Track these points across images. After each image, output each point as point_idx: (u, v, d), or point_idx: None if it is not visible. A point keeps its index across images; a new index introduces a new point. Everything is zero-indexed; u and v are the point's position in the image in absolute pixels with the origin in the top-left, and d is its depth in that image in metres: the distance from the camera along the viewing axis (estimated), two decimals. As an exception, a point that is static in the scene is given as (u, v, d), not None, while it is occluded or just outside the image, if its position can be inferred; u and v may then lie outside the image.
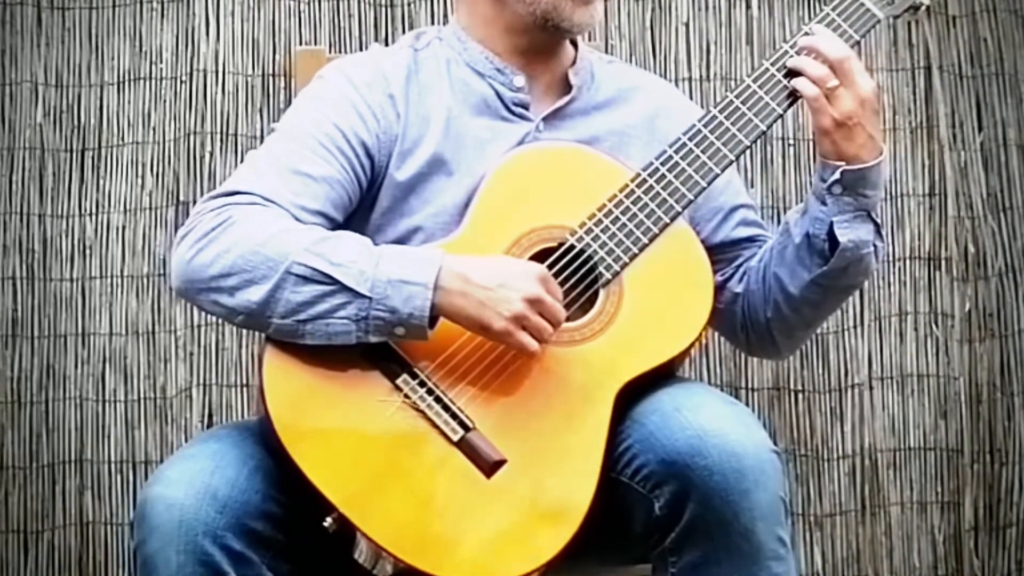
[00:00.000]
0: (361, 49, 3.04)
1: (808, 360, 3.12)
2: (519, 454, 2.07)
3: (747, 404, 3.06)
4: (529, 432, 2.09)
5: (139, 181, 3.04)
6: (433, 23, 3.02)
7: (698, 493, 1.99)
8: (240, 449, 2.09)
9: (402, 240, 2.20)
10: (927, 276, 3.14)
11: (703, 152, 2.18)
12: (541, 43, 2.28)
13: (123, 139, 3.04)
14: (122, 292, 3.04)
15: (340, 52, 3.02)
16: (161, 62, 3.04)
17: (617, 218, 2.16)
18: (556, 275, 2.12)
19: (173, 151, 3.04)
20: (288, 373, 2.08)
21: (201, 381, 3.04)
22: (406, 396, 2.08)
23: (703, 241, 2.25)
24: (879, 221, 2.21)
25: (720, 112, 2.19)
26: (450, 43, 2.31)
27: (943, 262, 3.14)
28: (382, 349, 2.08)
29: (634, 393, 2.10)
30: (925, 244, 3.14)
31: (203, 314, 2.93)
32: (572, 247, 2.15)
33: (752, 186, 3.08)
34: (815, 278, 2.21)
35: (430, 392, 2.08)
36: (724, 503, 1.99)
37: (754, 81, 2.20)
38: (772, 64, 2.20)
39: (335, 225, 2.16)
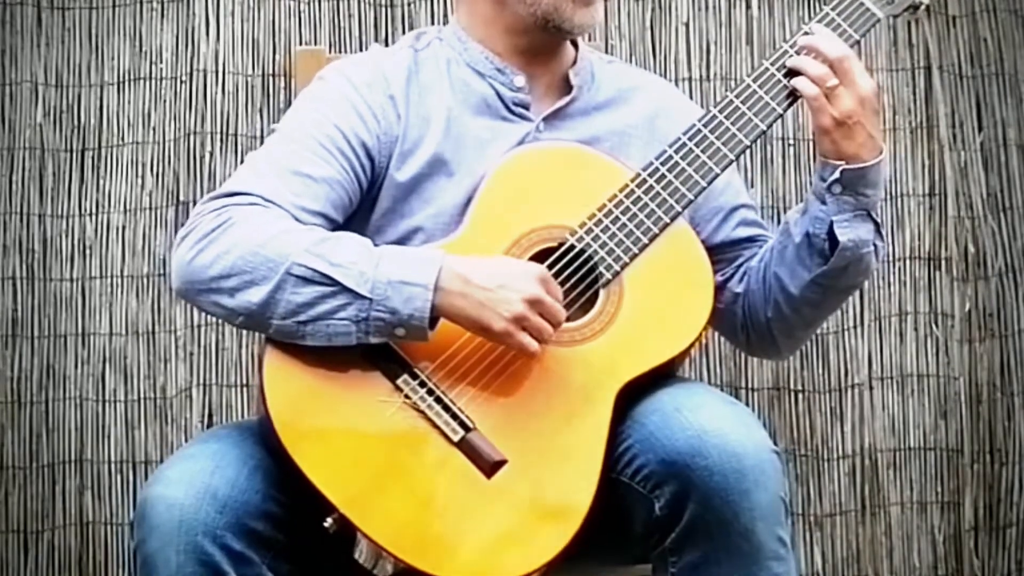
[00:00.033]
0: (361, 49, 3.04)
1: (808, 360, 3.12)
2: (519, 454, 2.07)
3: (747, 404, 3.06)
4: (529, 432, 2.08)
5: (139, 181, 3.04)
6: (433, 23, 3.02)
7: (698, 493, 1.99)
8: (240, 449, 2.09)
9: (402, 241, 2.20)
10: (927, 276, 3.14)
11: (703, 152, 2.18)
12: (541, 44, 2.28)
13: (123, 139, 3.04)
14: (122, 292, 3.04)
15: (340, 52, 3.02)
16: (161, 62, 3.04)
17: (617, 218, 2.16)
18: (556, 275, 2.12)
19: (173, 151, 3.04)
20: (288, 374, 2.08)
21: (201, 381, 3.04)
22: (406, 396, 2.08)
23: (703, 241, 2.25)
24: (879, 220, 2.21)
25: (720, 112, 2.19)
26: (450, 43, 2.31)
27: (943, 262, 3.14)
28: (382, 350, 2.08)
29: (634, 393, 2.10)
30: (925, 244, 3.14)
31: (203, 314, 2.93)
32: (572, 247, 2.15)
33: (752, 186, 3.08)
34: (815, 278, 2.21)
35: (430, 392, 2.08)
36: (724, 503, 1.99)
37: (754, 81, 2.20)
38: (772, 64, 2.20)
39: (335, 226, 2.16)
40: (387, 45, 2.78)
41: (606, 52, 2.88)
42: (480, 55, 2.28)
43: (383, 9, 3.08)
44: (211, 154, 3.04)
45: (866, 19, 2.22)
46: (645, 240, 2.15)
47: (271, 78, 3.06)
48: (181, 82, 3.04)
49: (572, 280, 2.14)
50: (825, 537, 3.13)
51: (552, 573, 2.05)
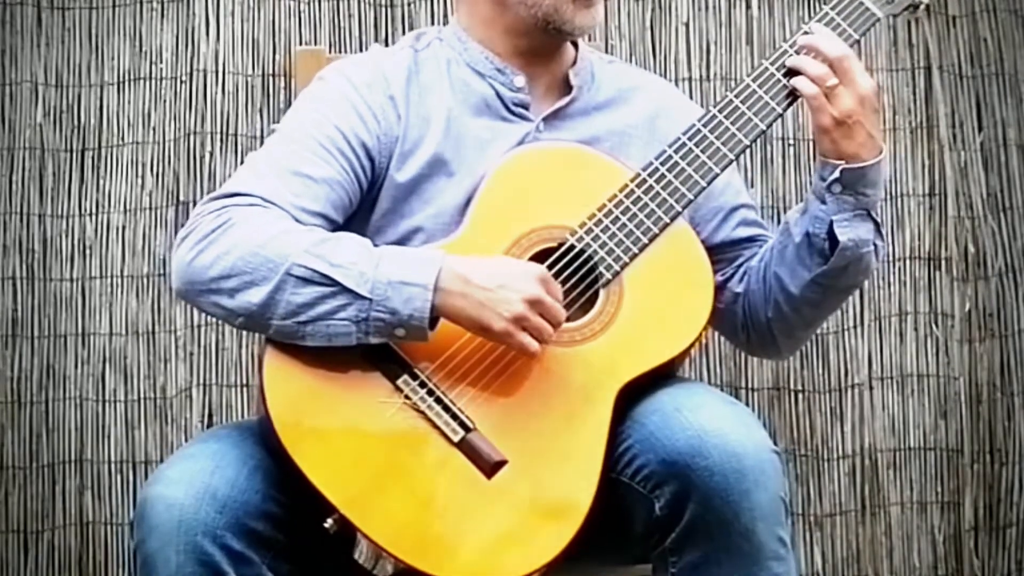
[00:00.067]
0: (361, 49, 3.04)
1: (808, 360, 3.12)
2: (520, 455, 2.07)
3: (747, 404, 3.06)
4: (530, 432, 2.08)
5: (139, 181, 3.04)
6: (433, 23, 3.02)
7: (698, 493, 1.99)
8: (240, 449, 2.09)
9: (402, 241, 2.20)
10: (927, 276, 3.14)
11: (703, 152, 2.18)
12: (542, 45, 2.28)
13: (123, 139, 3.04)
14: (122, 292, 3.04)
15: (340, 52, 3.02)
16: (161, 62, 3.04)
17: (617, 218, 2.16)
18: (556, 275, 2.12)
19: (173, 151, 3.04)
20: (288, 374, 2.08)
21: (201, 381, 3.04)
22: (407, 397, 2.08)
23: (703, 241, 2.25)
24: (879, 220, 2.21)
25: (720, 112, 2.19)
26: (450, 43, 2.31)
27: (943, 262, 3.14)
28: (382, 350, 2.08)
29: (634, 393, 2.10)
30: (925, 244, 3.14)
31: (203, 314, 2.93)
32: (572, 247, 2.15)
33: (752, 186, 3.08)
34: (815, 277, 2.21)
35: (431, 393, 2.08)
36: (724, 503, 1.99)
37: (754, 80, 2.20)
38: (771, 63, 2.20)
39: (335, 226, 2.16)
40: (387, 45, 2.78)
41: (606, 52, 2.88)
42: (480, 55, 2.28)
43: (383, 9, 3.08)
44: (211, 154, 3.04)
45: (866, 19, 2.22)
46: (645, 240, 2.15)
47: (271, 78, 3.06)
48: (181, 82, 3.04)
49: (572, 280, 2.14)
50: (825, 537, 3.13)
51: (552, 573, 2.05)
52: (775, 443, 2.12)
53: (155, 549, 2.00)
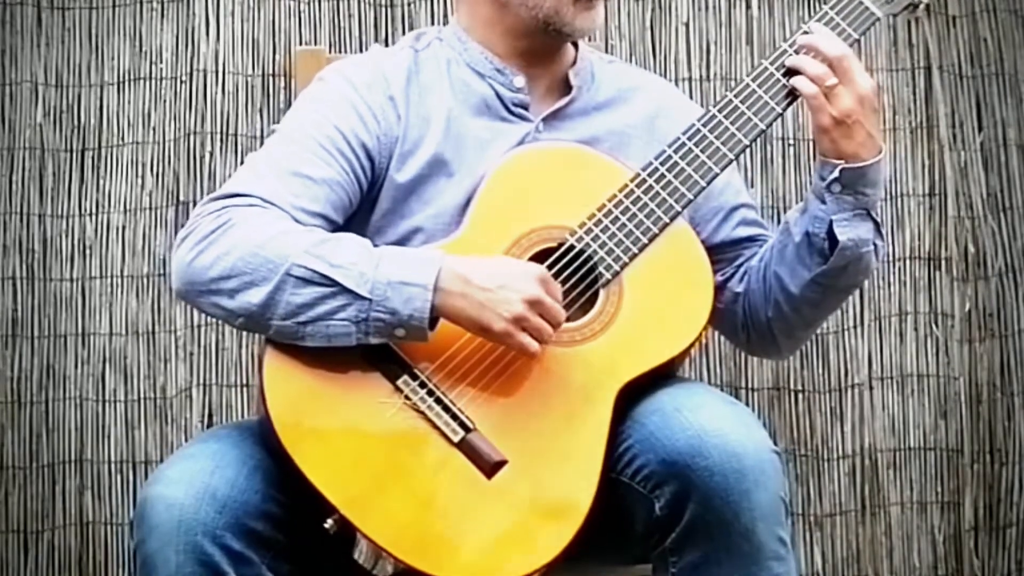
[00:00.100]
0: (361, 49, 3.04)
1: (808, 360, 3.12)
2: (520, 455, 2.07)
3: (747, 404, 3.06)
4: (530, 433, 2.08)
5: (139, 181, 3.04)
6: (433, 23, 3.02)
7: (698, 493, 1.99)
8: (240, 449, 2.09)
9: (402, 241, 2.20)
10: (927, 276, 3.14)
11: (702, 152, 2.18)
12: (542, 46, 2.28)
13: (123, 139, 3.04)
14: (122, 292, 3.04)
15: (340, 52, 3.02)
16: (161, 62, 3.04)
17: (617, 218, 2.16)
18: (556, 275, 2.12)
19: (173, 151, 3.04)
20: (288, 374, 2.08)
21: (201, 381, 3.04)
22: (406, 397, 2.07)
23: (703, 241, 2.25)
24: (879, 220, 2.21)
25: (719, 111, 2.19)
26: (450, 43, 2.31)
27: (943, 262, 3.14)
28: (382, 350, 2.08)
29: (634, 393, 2.10)
30: (925, 244, 3.14)
31: (203, 314, 2.93)
32: (572, 247, 2.15)
33: (752, 186, 3.08)
34: (815, 277, 2.21)
35: (430, 393, 2.07)
36: (724, 503, 1.99)
37: (753, 80, 2.20)
38: (771, 63, 2.20)
39: (335, 227, 2.16)
40: (387, 45, 2.78)
41: (606, 52, 2.88)
42: (480, 55, 2.28)
43: (383, 9, 3.08)
44: (211, 154, 3.04)
45: (865, 18, 2.22)
46: (645, 240, 2.15)
47: (271, 78, 3.06)
48: (181, 82, 3.04)
49: (572, 280, 2.14)
50: (825, 537, 3.13)
51: (552, 573, 2.05)
52: (775, 443, 2.12)
53: (155, 549, 2.00)
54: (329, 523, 2.02)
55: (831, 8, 2.21)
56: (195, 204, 2.27)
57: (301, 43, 3.05)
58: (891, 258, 3.11)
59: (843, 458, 3.12)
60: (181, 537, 1.99)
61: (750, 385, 3.12)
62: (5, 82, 3.02)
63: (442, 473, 2.05)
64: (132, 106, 3.04)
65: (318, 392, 2.08)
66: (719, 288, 2.29)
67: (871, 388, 3.13)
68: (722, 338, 2.65)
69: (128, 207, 3.04)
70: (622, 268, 2.15)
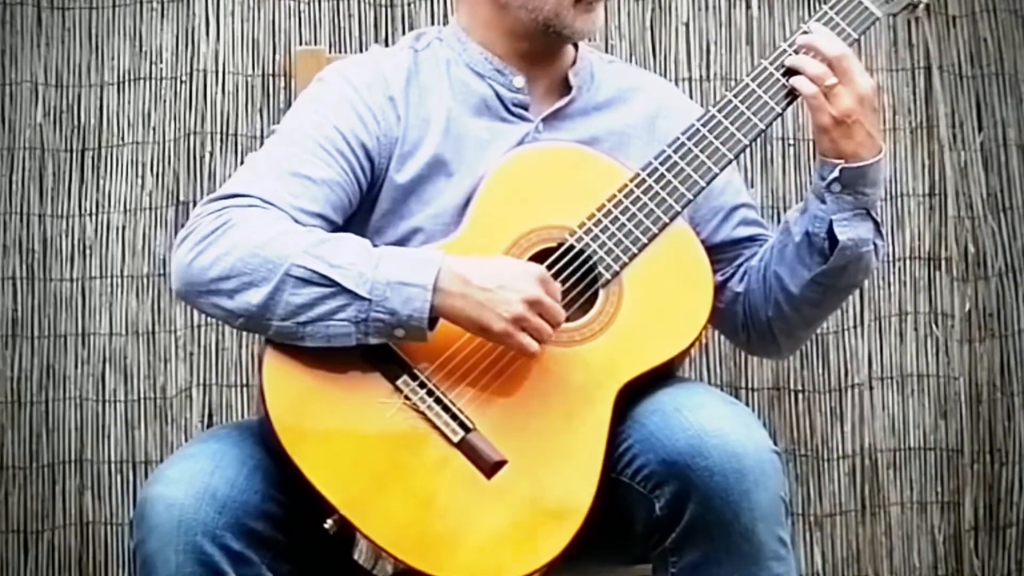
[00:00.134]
0: (361, 49, 3.04)
1: (808, 360, 3.12)
2: (519, 455, 2.07)
3: (747, 404, 3.06)
4: (529, 433, 2.08)
5: (139, 181, 3.04)
6: (433, 23, 3.02)
7: (699, 493, 1.99)
8: (240, 449, 2.09)
9: (402, 242, 2.20)
10: (927, 276, 3.14)
11: (702, 152, 2.18)
12: (542, 48, 2.28)
13: (123, 139, 3.04)
14: (122, 292, 3.04)
15: (340, 52, 3.02)
16: (161, 62, 3.04)
17: (616, 218, 2.16)
18: (556, 275, 2.12)
19: (173, 151, 3.04)
20: (288, 375, 2.08)
21: (201, 381, 3.04)
22: (406, 397, 2.07)
23: (703, 241, 2.25)
24: (879, 219, 2.21)
25: (719, 111, 2.19)
26: (450, 44, 2.31)
27: (943, 262, 3.14)
28: (382, 350, 2.08)
29: (634, 393, 2.10)
30: (925, 244, 3.14)
31: (203, 314, 2.93)
32: (572, 247, 2.15)
33: (752, 186, 3.08)
34: (815, 277, 2.21)
35: (430, 393, 2.07)
36: (725, 503, 1.99)
37: (753, 80, 2.20)
38: (771, 63, 2.20)
39: (335, 227, 2.16)
40: (387, 45, 2.78)
41: (606, 52, 2.88)
42: (479, 56, 2.28)
43: (383, 9, 3.08)
44: (211, 154, 3.04)
45: (865, 18, 2.22)
46: (644, 240, 2.15)
47: (271, 78, 3.06)
48: (181, 82, 3.04)
49: (571, 280, 2.14)
50: (825, 537, 3.13)
51: (552, 573, 2.05)
52: (775, 443, 2.12)
53: (155, 549, 2.00)
54: (329, 523, 2.02)
55: (831, 8, 2.21)
56: (195, 204, 2.27)
57: (301, 43, 3.05)
58: (891, 258, 3.11)
59: (843, 458, 3.12)
60: (181, 537, 1.99)
61: (750, 385, 3.12)
62: (5, 82, 3.02)
63: (442, 473, 2.05)
64: (132, 106, 3.04)
65: (318, 392, 2.08)
66: (719, 288, 2.29)
67: (871, 388, 3.13)
68: (722, 338, 2.65)
69: (128, 207, 3.04)
70: (622, 268, 2.15)
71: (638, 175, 2.17)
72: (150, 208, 3.03)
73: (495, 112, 2.27)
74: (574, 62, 2.32)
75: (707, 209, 2.32)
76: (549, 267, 2.12)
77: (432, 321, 2.05)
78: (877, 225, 2.21)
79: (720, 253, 2.32)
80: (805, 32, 2.20)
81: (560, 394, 2.10)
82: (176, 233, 2.13)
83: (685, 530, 2.01)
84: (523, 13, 2.24)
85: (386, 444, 2.06)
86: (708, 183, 2.18)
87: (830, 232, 2.18)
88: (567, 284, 2.13)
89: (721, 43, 3.12)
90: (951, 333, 3.14)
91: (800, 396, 3.12)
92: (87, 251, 3.04)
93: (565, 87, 2.30)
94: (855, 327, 3.13)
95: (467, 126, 2.25)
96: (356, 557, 2.33)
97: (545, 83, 2.30)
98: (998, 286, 3.14)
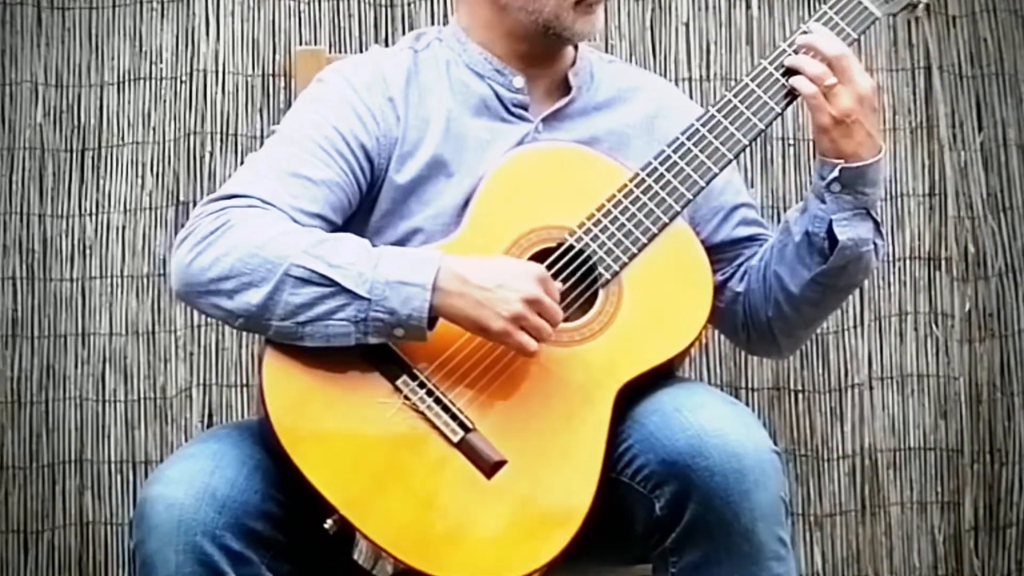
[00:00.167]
0: (361, 49, 3.04)
1: (808, 360, 3.12)
2: (519, 455, 2.07)
3: (747, 404, 3.06)
4: (529, 433, 2.08)
5: (139, 181, 3.04)
6: (433, 23, 3.02)
7: (699, 493, 1.99)
8: (240, 449, 2.09)
9: (402, 242, 2.20)
10: (927, 276, 3.14)
11: (702, 152, 2.18)
12: (542, 49, 2.28)
13: (123, 139, 3.04)
14: (122, 292, 3.04)
15: (340, 52, 3.02)
16: (161, 62, 3.04)
17: (616, 218, 2.16)
18: (555, 275, 2.12)
19: (173, 151, 3.04)
20: (288, 375, 2.08)
21: (201, 381, 3.04)
22: (406, 397, 2.07)
23: (703, 241, 2.25)
24: (879, 219, 2.21)
25: (718, 111, 2.19)
26: (450, 44, 2.31)
27: (943, 262, 3.14)
28: (382, 350, 2.08)
29: (634, 393, 2.10)
30: (925, 244, 3.14)
31: (203, 315, 2.93)
32: (571, 247, 2.15)
33: (752, 186, 3.08)
34: (815, 276, 2.21)
35: (430, 393, 2.07)
36: (725, 503, 1.99)
37: (752, 80, 2.20)
38: (770, 63, 2.20)
39: (334, 228, 2.16)
40: (387, 45, 2.78)
41: (606, 52, 2.87)
42: (479, 56, 2.28)
43: (383, 9, 3.08)
44: (211, 154, 3.04)
45: (864, 18, 2.22)
46: (644, 240, 2.15)
47: (271, 78, 3.06)
48: (181, 82, 3.04)
49: (571, 280, 2.14)
50: (825, 537, 3.13)
51: (552, 573, 2.05)
52: (775, 443, 2.12)
53: (154, 549, 2.00)
54: (329, 523, 2.02)
55: (830, 8, 2.21)
56: (195, 204, 2.27)
57: (301, 43, 3.05)
58: (891, 258, 3.11)
59: (843, 458, 3.12)
60: (181, 537, 1.99)
61: (750, 385, 3.12)
62: (5, 82, 3.02)
63: (442, 473, 2.05)
64: (132, 106, 3.04)
65: (318, 392, 2.08)
66: (719, 288, 2.29)
67: (871, 388, 3.13)
68: (722, 338, 2.65)
69: (128, 207, 3.04)
70: (621, 268, 2.15)
71: (638, 175, 2.17)
72: (150, 208, 3.04)
73: (495, 112, 2.27)
74: (574, 62, 2.32)
75: (707, 209, 2.32)
76: (549, 267, 2.12)
77: (431, 321, 2.05)
78: (877, 225, 2.21)
79: (720, 253, 2.32)
80: (805, 32, 2.20)
81: (560, 394, 2.10)
82: (176, 233, 2.13)
83: (685, 530, 2.01)
84: (523, 15, 2.24)
85: (386, 444, 2.06)
86: (708, 183, 2.18)
87: (830, 232, 2.18)
88: (567, 284, 2.13)
89: (721, 43, 3.12)
90: (951, 333, 3.14)
91: (800, 396, 3.12)
92: (87, 251, 3.04)
93: (565, 87, 2.31)
94: (855, 327, 3.13)
95: (467, 126, 2.25)
96: (356, 557, 2.33)
97: (545, 83, 2.30)
98: (998, 286, 3.14)
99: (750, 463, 1.99)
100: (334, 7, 3.07)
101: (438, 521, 2.04)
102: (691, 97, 2.99)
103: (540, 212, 2.17)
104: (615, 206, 2.16)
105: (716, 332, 2.47)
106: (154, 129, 3.04)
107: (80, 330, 3.04)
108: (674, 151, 2.18)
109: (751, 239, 2.35)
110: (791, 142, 3.12)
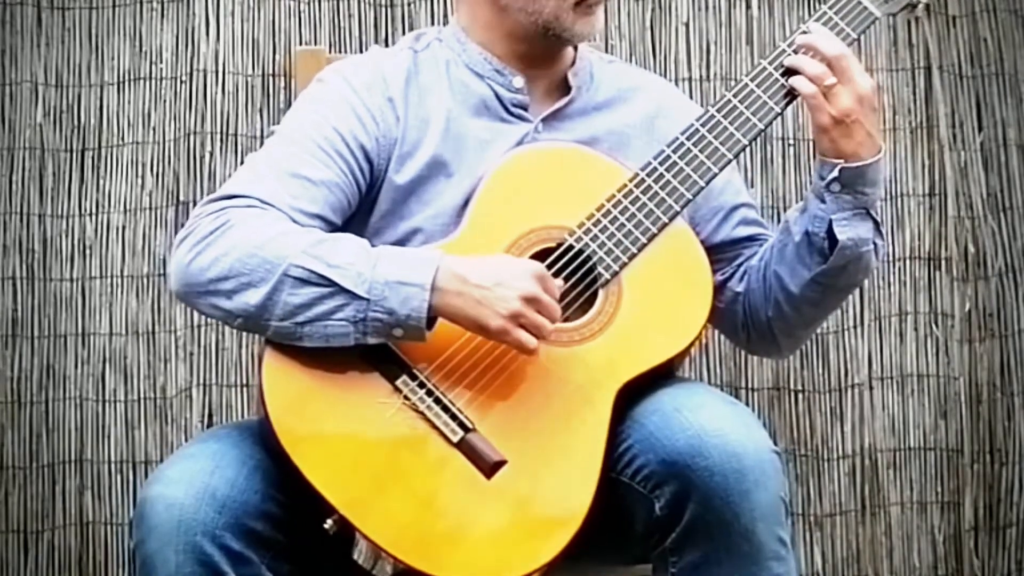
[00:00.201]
0: (361, 49, 3.04)
1: (808, 360, 3.12)
2: (519, 455, 2.07)
3: (747, 404, 3.06)
4: (529, 433, 2.08)
5: (139, 181, 3.04)
6: (433, 23, 3.02)
7: (698, 493, 1.99)
8: (240, 449, 2.09)
9: (401, 242, 2.20)
10: (927, 276, 3.14)
11: (701, 152, 2.18)
12: (542, 50, 2.28)
13: (123, 139, 3.04)
14: (122, 292, 3.04)
15: (340, 52, 3.02)
16: (161, 62, 3.05)
17: (616, 218, 2.16)
18: (555, 275, 2.12)
19: (173, 151, 3.04)
20: (288, 375, 2.08)
21: (201, 381, 3.04)
22: (406, 397, 2.07)
23: (703, 241, 2.25)
24: (878, 219, 2.21)
25: (718, 111, 2.19)
26: (449, 44, 2.31)
27: (943, 262, 3.14)
28: (381, 351, 2.08)
29: (634, 393, 2.10)
30: (925, 244, 3.14)
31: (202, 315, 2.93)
32: (571, 247, 2.15)
33: (752, 186, 3.08)
34: (815, 276, 2.21)
35: (429, 393, 2.07)
36: (724, 503, 1.98)
37: (752, 80, 2.20)
38: (770, 63, 2.20)
39: (333, 228, 2.16)
40: (387, 45, 2.78)
41: (606, 52, 2.88)
42: (479, 56, 2.28)
43: (383, 9, 3.08)
44: (211, 154, 3.04)
45: (864, 18, 2.22)
46: (644, 240, 2.15)
47: (271, 78, 3.06)
48: (181, 82, 3.04)
49: (571, 280, 2.14)
50: (825, 537, 3.13)
51: (552, 573, 2.05)
52: (775, 443, 2.12)
53: (154, 549, 2.00)
54: (329, 523, 2.02)
55: (830, 8, 2.21)
56: (195, 204, 2.27)
57: (301, 43, 3.05)
58: (891, 258, 3.11)
59: (843, 458, 3.12)
60: (181, 537, 1.99)
61: (750, 385, 3.12)
62: (5, 82, 3.02)
63: (441, 473, 2.05)
64: (132, 106, 3.04)
65: (317, 393, 2.08)
66: (719, 287, 2.29)
67: (871, 388, 3.13)
68: (722, 338, 2.65)
69: (128, 207, 3.04)
70: (621, 268, 2.15)
71: (637, 175, 2.17)
72: (150, 208, 3.04)
73: (495, 112, 2.27)
74: (574, 62, 2.32)
75: (707, 209, 2.32)
76: (548, 267, 2.12)
77: (430, 321, 2.05)
78: (877, 225, 2.21)
79: (720, 253, 2.32)
80: (804, 32, 2.20)
81: (560, 394, 2.10)
82: (176, 233, 2.13)
83: (685, 530, 2.01)
84: (523, 16, 2.24)
85: (386, 444, 2.06)
86: (707, 183, 2.18)
87: (830, 232, 2.18)
88: (567, 284, 2.13)
89: (721, 43, 3.12)
90: (951, 333, 3.14)
91: (800, 396, 3.12)
92: (87, 251, 3.04)
93: (565, 87, 2.30)
94: (855, 327, 3.13)
95: (467, 126, 2.25)
96: (356, 557, 2.33)
97: (545, 83, 2.30)
98: (998, 286, 3.14)
99: (750, 463, 1.99)
100: (334, 7, 3.07)
101: (438, 521, 2.04)
102: (691, 97, 2.99)
103: (540, 212, 2.17)
104: (615, 206, 2.16)
105: (716, 332, 2.47)
106: (154, 129, 3.04)
107: (80, 330, 3.04)
108: (674, 151, 2.18)
109: (751, 239, 2.35)
110: (791, 142, 3.12)
